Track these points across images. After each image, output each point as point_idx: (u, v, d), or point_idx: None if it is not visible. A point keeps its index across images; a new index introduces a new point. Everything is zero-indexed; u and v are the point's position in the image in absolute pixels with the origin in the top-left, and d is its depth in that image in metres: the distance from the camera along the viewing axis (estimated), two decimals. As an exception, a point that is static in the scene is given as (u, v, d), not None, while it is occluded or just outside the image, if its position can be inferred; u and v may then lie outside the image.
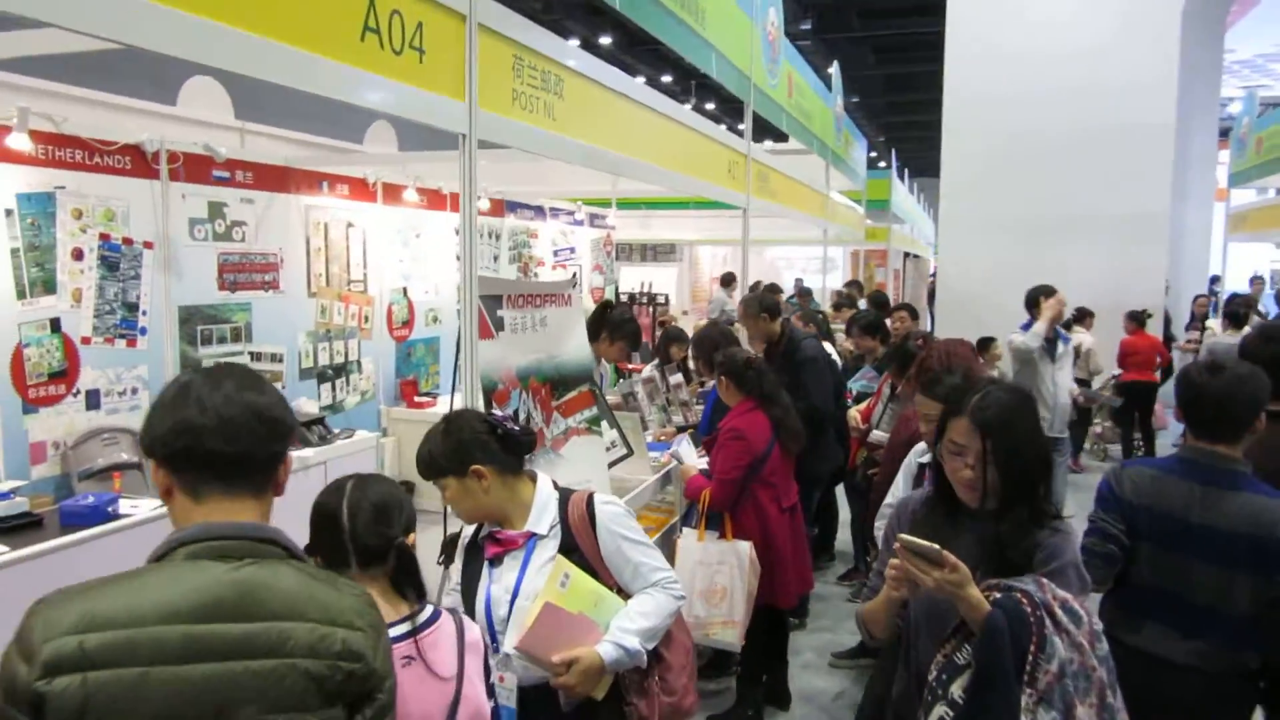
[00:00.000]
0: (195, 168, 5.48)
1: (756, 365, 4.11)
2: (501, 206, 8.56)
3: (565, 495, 2.44)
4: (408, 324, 7.37)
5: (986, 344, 7.58)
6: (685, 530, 3.96)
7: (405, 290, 7.33)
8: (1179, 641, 2.52)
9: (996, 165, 11.22)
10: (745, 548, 3.87)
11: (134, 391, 5.23)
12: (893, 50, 22.10)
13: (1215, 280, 14.97)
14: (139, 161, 5.19)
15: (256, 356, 5.99)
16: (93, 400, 5.02)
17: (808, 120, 6.84)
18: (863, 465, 4.66)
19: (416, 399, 7.20)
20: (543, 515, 2.39)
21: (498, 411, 2.44)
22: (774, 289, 10.51)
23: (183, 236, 5.47)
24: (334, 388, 6.63)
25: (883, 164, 16.58)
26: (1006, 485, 2.03)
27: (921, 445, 3.39)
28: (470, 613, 2.40)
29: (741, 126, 5.33)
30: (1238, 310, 9.01)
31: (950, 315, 11.60)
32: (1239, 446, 2.51)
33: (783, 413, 4.01)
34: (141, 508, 4.44)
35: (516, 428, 2.41)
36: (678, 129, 4.27)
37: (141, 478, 5.13)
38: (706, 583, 3.86)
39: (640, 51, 21.12)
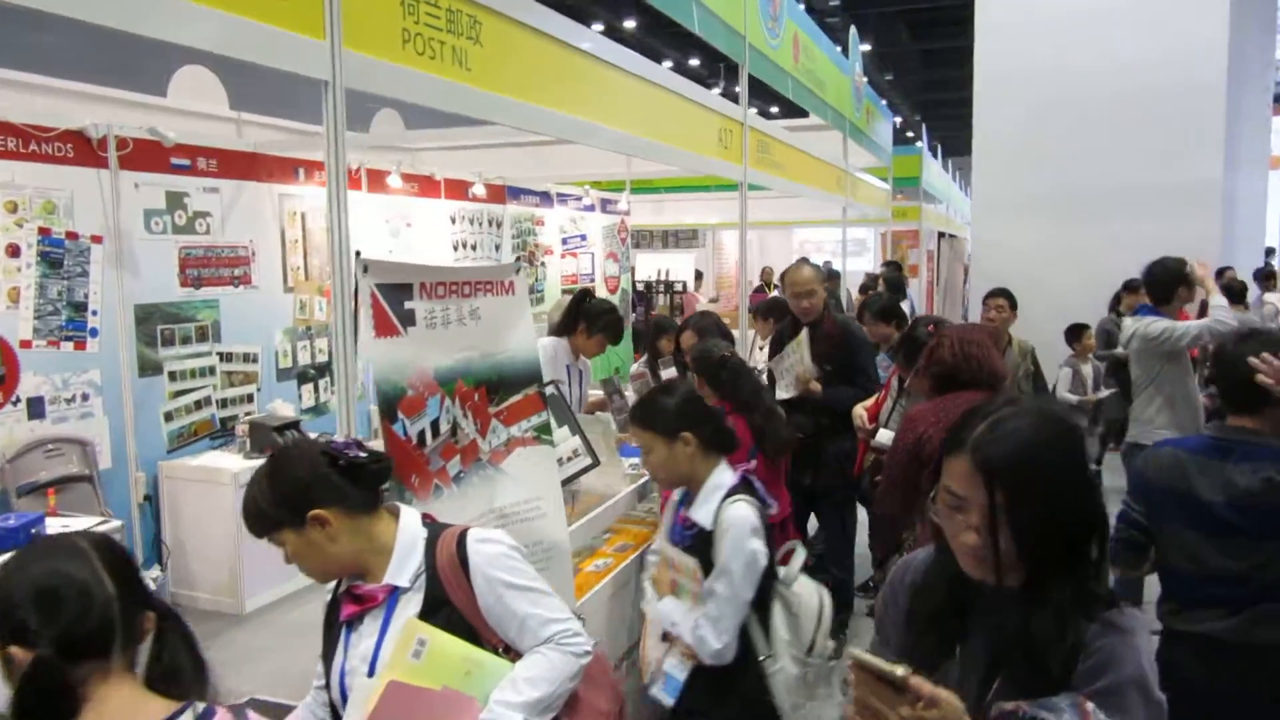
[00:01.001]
0: (149, 155, 5.03)
1: (733, 363, 3.56)
2: (502, 192, 8.05)
3: (435, 535, 1.91)
4: (399, 318, 6.88)
5: (1078, 332, 6.88)
6: (653, 553, 3.42)
7: (395, 283, 6.83)
8: (1226, 619, 2.37)
9: (1033, 138, 10.49)
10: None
11: (84, 398, 4.79)
12: (926, 25, 21.27)
13: (1270, 253, 14.03)
14: (83, 149, 4.75)
15: (226, 357, 5.54)
16: (36, 409, 4.60)
17: (819, 88, 6.23)
18: (869, 470, 4.06)
19: (409, 397, 6.73)
20: (405, 563, 1.87)
21: (339, 439, 1.92)
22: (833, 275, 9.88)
23: (137, 229, 5.02)
24: (316, 389, 6.17)
25: (916, 141, 15.82)
26: (1032, 556, 1.34)
27: None
28: (328, 689, 1.89)
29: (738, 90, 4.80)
30: (1231, 285, 8.56)
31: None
32: (1263, 420, 2.40)
33: (764, 419, 3.45)
34: (73, 526, 4.03)
35: (363, 454, 1.89)
36: (650, 90, 3.71)
37: (91, 492, 4.71)
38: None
39: (667, 35, 20.50)
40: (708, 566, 2.62)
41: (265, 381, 5.79)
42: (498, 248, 8.00)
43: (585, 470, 3.41)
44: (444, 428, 2.70)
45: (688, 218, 11.94)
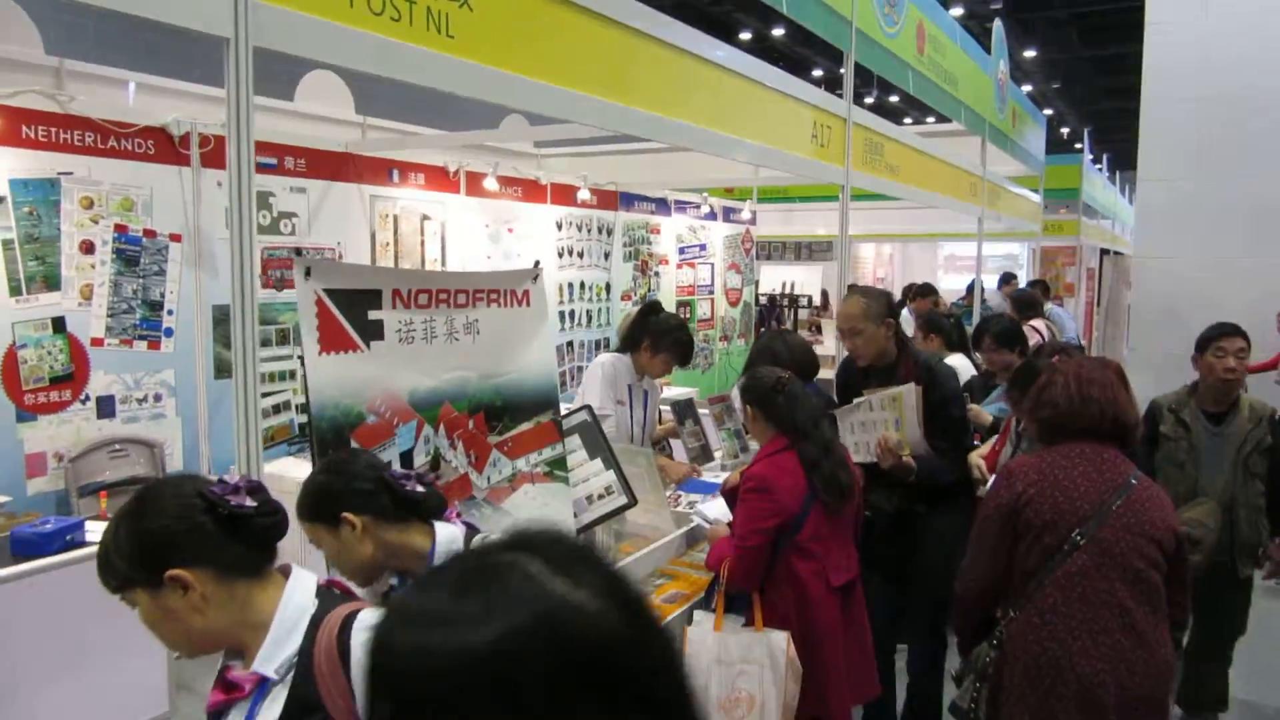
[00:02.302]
0: (232, 153, 4.87)
1: (790, 388, 2.99)
2: (615, 198, 7.67)
3: (324, 611, 1.48)
4: (497, 326, 6.59)
5: None
6: (698, 615, 2.89)
7: (494, 289, 6.54)
8: None
9: (1212, 143, 9.34)
10: (780, 640, 2.77)
11: (157, 399, 4.67)
12: (1098, 29, 19.73)
13: None
14: (164, 146, 4.62)
15: (308, 361, 5.34)
16: (105, 408, 4.48)
17: (950, 85, 5.54)
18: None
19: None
20: (280, 646, 1.44)
21: (230, 478, 1.51)
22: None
23: (217, 229, 4.87)
24: (404, 395, 5.92)
25: (1077, 147, 14.53)
26: None
27: None
28: None
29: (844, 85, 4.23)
30: None
31: (1148, 326, 9.80)
32: None
33: (820, 454, 2.87)
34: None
35: (250, 502, 1.47)
36: (719, 75, 3.21)
37: (155, 494, 4.56)
38: (726, 689, 2.78)
39: (820, 45, 19.78)
40: None
41: (349, 387, 5.57)
42: (607, 255, 7.62)
43: (619, 511, 2.93)
44: (420, 460, 2.27)
45: (820, 228, 11.26)
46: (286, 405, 5.25)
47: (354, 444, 2.08)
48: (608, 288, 7.65)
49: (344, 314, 2.06)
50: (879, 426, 3.25)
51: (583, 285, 7.36)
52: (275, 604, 1.47)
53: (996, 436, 3.76)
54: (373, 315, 2.14)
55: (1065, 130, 28.64)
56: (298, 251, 2.09)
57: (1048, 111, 21.44)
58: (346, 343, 2.07)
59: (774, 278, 10.57)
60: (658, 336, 3.83)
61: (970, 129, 6.30)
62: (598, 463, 2.96)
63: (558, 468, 2.60)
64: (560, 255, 7.12)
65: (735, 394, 3.82)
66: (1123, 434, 2.49)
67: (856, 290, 3.52)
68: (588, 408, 3.02)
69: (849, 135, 4.11)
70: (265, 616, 1.46)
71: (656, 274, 8.23)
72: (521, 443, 2.56)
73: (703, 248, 8.82)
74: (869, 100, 19.59)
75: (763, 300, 9.89)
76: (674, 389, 7.33)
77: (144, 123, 4.53)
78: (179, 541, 1.42)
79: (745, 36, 17.87)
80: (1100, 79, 22.96)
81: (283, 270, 5.19)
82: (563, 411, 3.06)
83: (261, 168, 5.05)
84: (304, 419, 5.32)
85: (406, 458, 2.22)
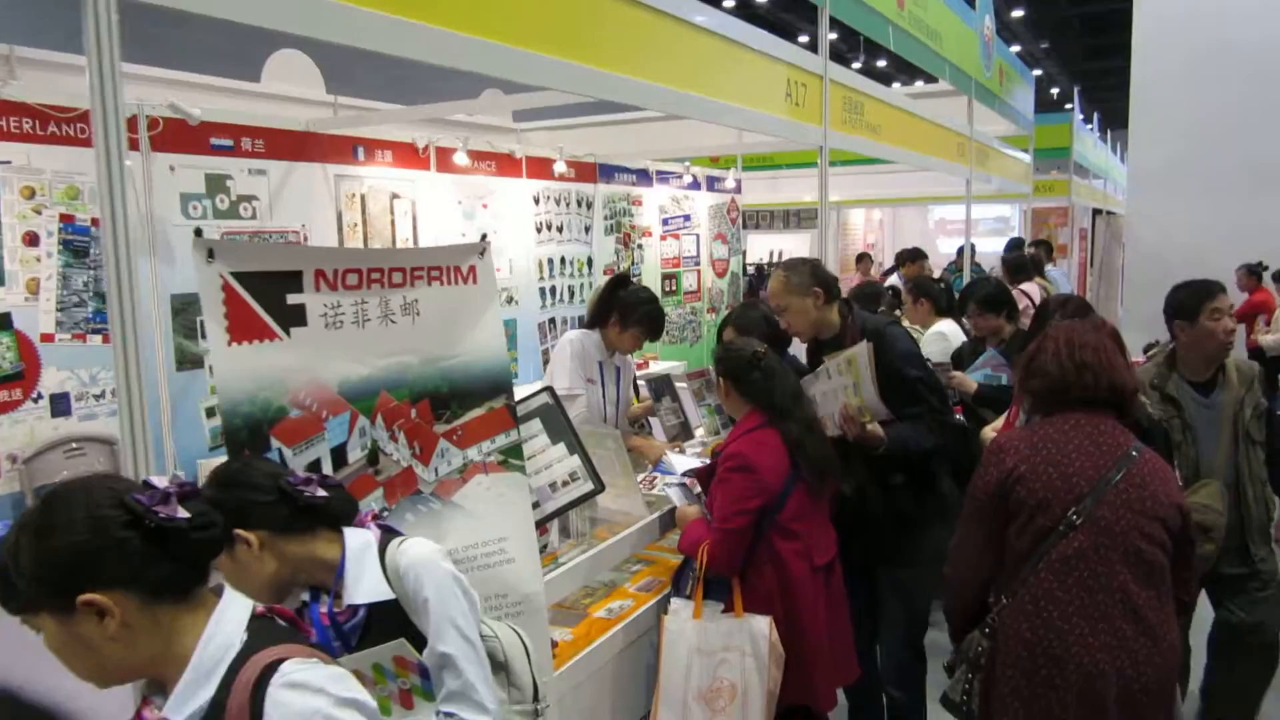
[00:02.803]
0: (185, 136, 4.65)
1: (767, 362, 2.81)
2: (594, 170, 7.43)
3: (250, 650, 1.27)
4: (474, 306, 6.37)
5: None
6: (675, 603, 2.71)
7: (470, 268, 6.32)
8: None
9: (1204, 100, 9.14)
10: (762, 625, 2.59)
11: (115, 394, 4.45)
12: (1087, -13, 19.42)
13: None
14: (111, 130, 4.39)
15: (276, 349, 5.13)
16: (60, 405, 4.28)
17: (934, 41, 5.31)
18: None
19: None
20: (192, 691, 1.24)
21: (159, 480, 1.28)
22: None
23: (173, 215, 4.65)
24: (379, 381, 5.71)
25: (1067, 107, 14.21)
26: None
27: None
28: None
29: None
30: None
31: (1142, 286, 9.64)
32: None
33: (802, 430, 2.69)
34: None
35: (184, 515, 1.26)
36: (684, 31, 2.99)
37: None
38: (707, 679, 2.61)
39: (805, 8, 19.40)
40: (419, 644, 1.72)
41: (321, 374, 5.37)
42: (588, 229, 7.39)
43: (585, 498, 2.75)
44: (355, 456, 2.08)
45: (807, 195, 11.01)
46: (255, 395, 5.05)
47: (274, 442, 1.88)
48: (589, 262, 7.43)
49: (257, 299, 1.86)
50: (839, 395, 2.98)
51: (563, 260, 7.14)
52: (198, 633, 1.26)
53: (1009, 409, 3.49)
54: (292, 299, 1.93)
55: (1055, 91, 28.29)
56: (197, 232, 1.86)
57: (1037, 73, 21.09)
58: (261, 330, 1.86)
59: (761, 247, 10.35)
60: (627, 310, 3.63)
61: (956, 87, 6.06)
62: (561, 448, 2.77)
63: (513, 456, 2.40)
64: (539, 230, 6.90)
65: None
66: (1120, 402, 2.30)
67: (779, 266, 3.24)
68: (549, 389, 2.82)
69: (826, 93, 3.88)
70: (189, 650, 1.25)
71: (640, 246, 8.01)
72: (472, 431, 2.36)
73: (687, 218, 8.59)
74: (856, 65, 19.26)
75: (750, 270, 9.66)
76: (662, 363, 7.13)
77: (85, 106, 4.29)
78: (94, 561, 1.20)
79: (728, 4, 17.54)
80: (1089, 38, 22.63)
81: (244, 255, 4.97)
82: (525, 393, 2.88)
83: (217, 150, 4.83)
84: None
85: (339, 453, 2.03)
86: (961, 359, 4.40)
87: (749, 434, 2.81)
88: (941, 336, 4.70)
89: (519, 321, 6.75)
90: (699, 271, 8.83)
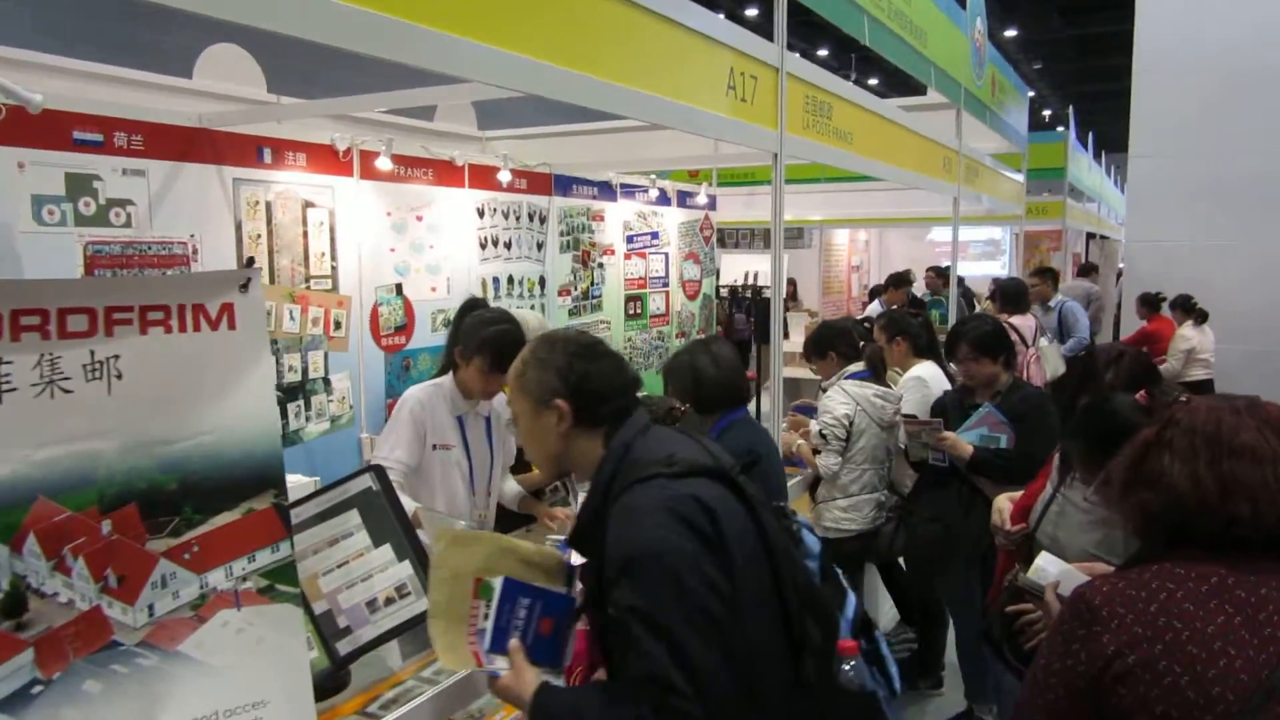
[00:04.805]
0: (40, 128, 3.89)
1: (680, 422, 2.11)
2: (548, 182, 6.68)
3: None
4: (404, 330, 5.61)
5: None
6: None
7: (399, 288, 5.57)
8: None
9: (1207, 122, 8.49)
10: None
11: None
12: (1081, 8, 18.77)
13: None
14: (-63, 119, 3.64)
15: (154, 377, 4.37)
16: None
17: (917, 39, 4.58)
18: (1000, 602, 2.31)
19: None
20: None
21: None
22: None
23: (22, 220, 3.89)
24: (284, 413, 4.94)
25: (1060, 130, 13.50)
26: None
27: None
28: None
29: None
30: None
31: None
32: None
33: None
34: None
35: None
36: (600, 3, 2.24)
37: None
38: None
39: (795, 25, 18.74)
40: None
41: (211, 406, 4.60)
42: (540, 246, 6.64)
43: (415, 622, 1.96)
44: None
45: (788, 212, 10.25)
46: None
47: None
48: (541, 282, 6.67)
49: None
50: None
51: (511, 280, 6.38)
52: None
53: (1034, 479, 2.67)
54: None
55: (1048, 113, 27.69)
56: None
57: (1030, 94, 20.47)
58: None
59: (735, 268, 9.60)
60: (466, 337, 2.86)
61: (943, 94, 5.32)
62: (385, 551, 1.99)
63: (282, 580, 1.64)
64: (483, 246, 6.14)
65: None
66: None
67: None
68: (373, 469, 2.04)
69: (782, 89, 3.13)
70: None
71: (600, 265, 7.25)
72: (217, 545, 1.60)
73: (654, 236, 7.84)
74: (851, 81, 18.51)
75: (723, 292, 8.92)
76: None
77: (-94, 89, 3.54)
78: None
79: None
80: (1084, 59, 22.02)
81: (115, 270, 4.21)
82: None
83: (82, 145, 4.07)
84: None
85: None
86: (945, 414, 3.62)
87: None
88: (920, 383, 3.93)
89: (457, 346, 5.98)
90: (667, 293, 8.08)
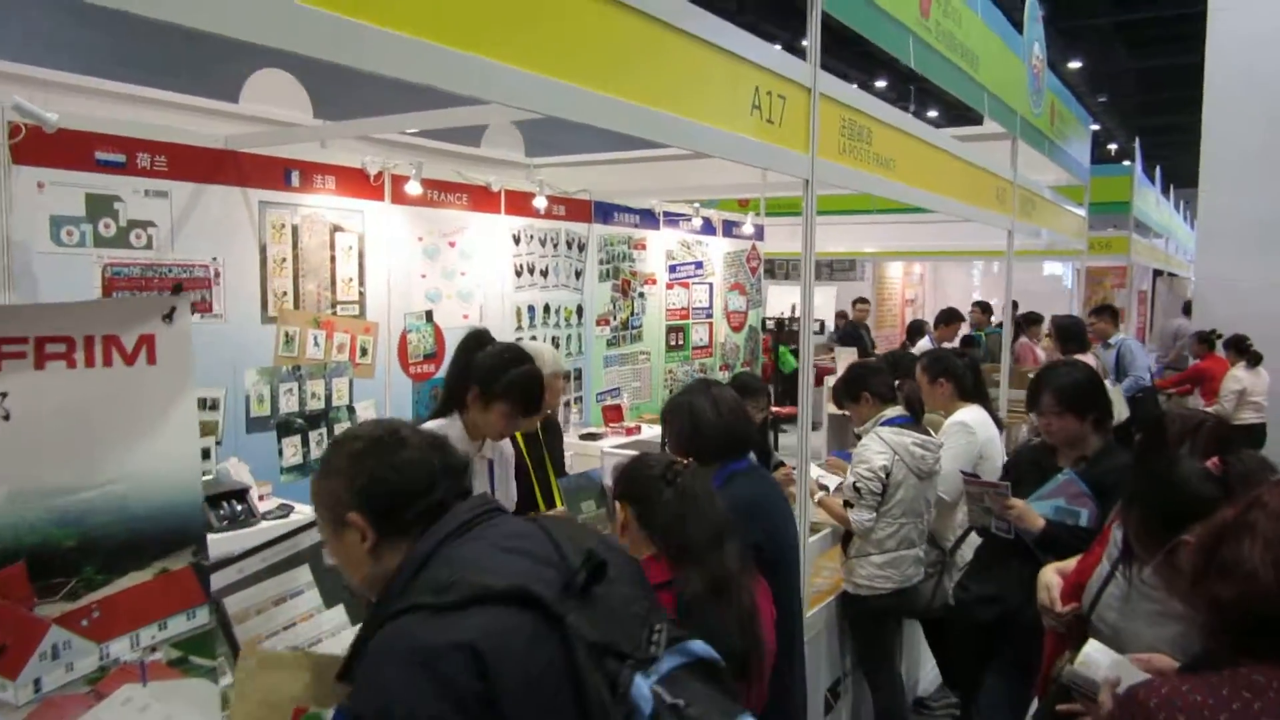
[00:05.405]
0: (60, 148, 3.81)
1: (685, 484, 1.88)
2: (588, 209, 6.51)
3: None
4: (434, 358, 5.45)
5: None
6: None
7: (429, 315, 5.41)
8: None
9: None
10: None
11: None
12: (1147, 41, 18.19)
13: None
14: (-45, 138, 3.57)
15: (171, 402, 4.25)
16: None
17: (968, 62, 4.30)
18: (1046, 706, 2.01)
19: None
20: None
21: None
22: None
23: (39, 240, 3.81)
24: (305, 441, 4.80)
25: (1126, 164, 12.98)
26: None
27: None
28: None
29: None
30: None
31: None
32: None
33: (705, 593, 1.78)
34: None
35: None
36: (605, 12, 2.03)
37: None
38: None
39: (852, 56, 18.44)
40: None
41: (230, 433, 4.47)
42: (579, 274, 6.45)
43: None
44: None
45: (835, 245, 9.93)
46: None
47: None
48: (579, 311, 6.48)
49: None
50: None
51: (547, 308, 6.20)
52: None
53: (1089, 549, 2.32)
54: None
55: (1113, 148, 26.93)
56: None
57: (1095, 127, 19.90)
58: None
59: (784, 299, 9.33)
60: (487, 378, 2.63)
61: (997, 121, 5.02)
62: (339, 611, 1.78)
63: (196, 651, 1.43)
64: (518, 274, 5.98)
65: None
66: None
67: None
68: (306, 528, 1.83)
69: (814, 110, 2.89)
70: None
71: (641, 295, 7.05)
72: (122, 611, 1.40)
73: (698, 265, 7.62)
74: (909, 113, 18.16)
75: (769, 324, 8.64)
76: (649, 431, 6.12)
77: (-79, 107, 3.48)
78: None
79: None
80: (1151, 92, 21.36)
81: (134, 292, 4.11)
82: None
83: (104, 166, 3.99)
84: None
85: None
86: (1019, 472, 3.07)
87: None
88: (964, 429, 3.59)
89: (489, 375, 5.80)
90: (711, 325, 7.83)
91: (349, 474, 1.42)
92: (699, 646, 1.34)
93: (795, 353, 8.43)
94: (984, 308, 9.75)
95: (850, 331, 9.78)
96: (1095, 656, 1.70)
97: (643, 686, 1.23)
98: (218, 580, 1.77)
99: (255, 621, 1.76)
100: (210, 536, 1.97)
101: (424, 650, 1.18)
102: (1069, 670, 1.72)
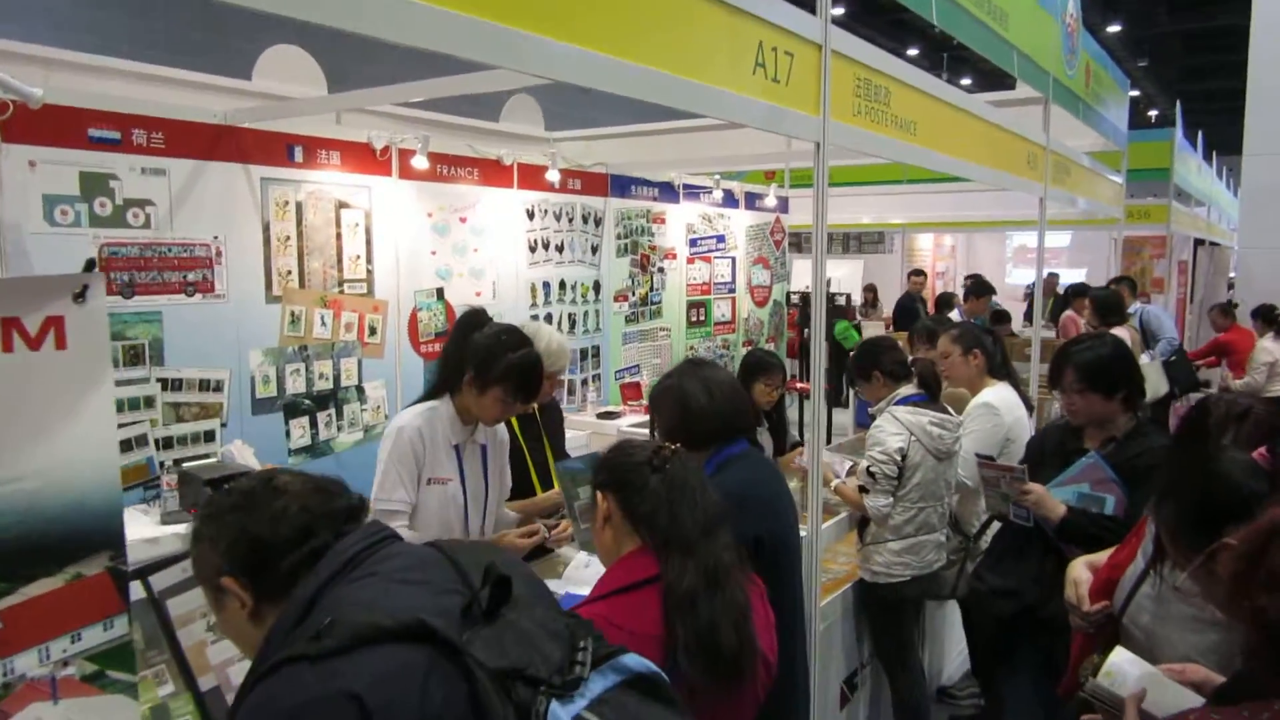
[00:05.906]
0: (54, 125, 3.69)
1: (672, 470, 1.74)
2: (604, 183, 6.33)
3: None
4: (445, 336, 5.31)
5: None
6: None
7: (440, 292, 5.27)
8: None
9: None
10: None
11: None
12: (1192, 4, 17.57)
13: None
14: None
15: (173, 384, 4.15)
16: None
17: (996, 20, 4.05)
18: (1074, 709, 1.85)
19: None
20: None
21: None
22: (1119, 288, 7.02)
23: (32, 220, 3.70)
24: (314, 422, 4.69)
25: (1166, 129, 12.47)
26: None
27: None
28: None
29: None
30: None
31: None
32: None
33: (699, 585, 1.68)
34: None
35: None
36: None
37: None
38: None
39: (885, 24, 17.99)
40: None
41: (235, 415, 4.37)
42: (595, 249, 6.28)
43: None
44: None
45: (864, 215, 9.66)
46: (143, 440, 4.07)
47: None
48: (596, 287, 6.32)
49: None
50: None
51: (562, 284, 6.04)
52: None
53: (1123, 542, 2.13)
54: None
55: (1153, 114, 26.14)
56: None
57: (1134, 93, 19.25)
58: None
59: (806, 274, 9.09)
60: (485, 362, 2.48)
61: (1028, 83, 4.75)
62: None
63: (116, 665, 1.29)
64: (532, 249, 5.82)
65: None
66: None
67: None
68: (118, 550, 1.69)
69: (825, 68, 2.69)
70: None
71: (660, 270, 6.86)
72: (30, 620, 1.26)
73: (720, 239, 7.41)
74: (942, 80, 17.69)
75: (795, 299, 8.42)
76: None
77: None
78: None
79: None
80: (1194, 56, 20.66)
81: (132, 273, 4.00)
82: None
83: (98, 143, 3.87)
84: (164, 457, 4.14)
85: None
86: (1040, 454, 2.88)
87: (619, 594, 1.68)
88: (989, 410, 3.38)
89: (502, 354, 5.66)
90: (734, 300, 7.63)
91: (216, 535, 1.28)
92: (634, 660, 1.17)
93: (858, 328, 8.18)
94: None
95: (907, 304, 9.54)
96: (1124, 668, 1.52)
97: (560, 715, 1.06)
98: (160, 581, 1.65)
99: (198, 625, 1.63)
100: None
101: (300, 707, 1.02)
102: (1092, 684, 1.54)
